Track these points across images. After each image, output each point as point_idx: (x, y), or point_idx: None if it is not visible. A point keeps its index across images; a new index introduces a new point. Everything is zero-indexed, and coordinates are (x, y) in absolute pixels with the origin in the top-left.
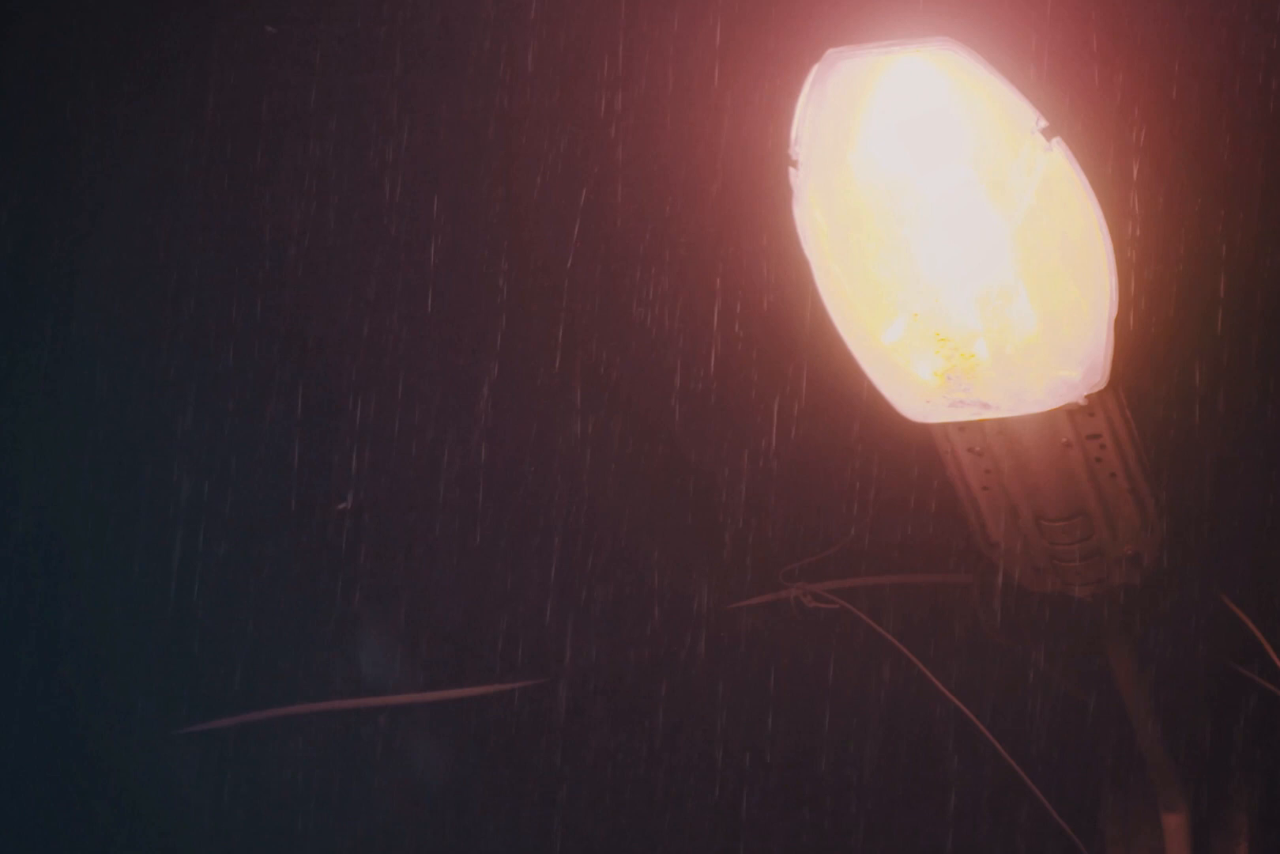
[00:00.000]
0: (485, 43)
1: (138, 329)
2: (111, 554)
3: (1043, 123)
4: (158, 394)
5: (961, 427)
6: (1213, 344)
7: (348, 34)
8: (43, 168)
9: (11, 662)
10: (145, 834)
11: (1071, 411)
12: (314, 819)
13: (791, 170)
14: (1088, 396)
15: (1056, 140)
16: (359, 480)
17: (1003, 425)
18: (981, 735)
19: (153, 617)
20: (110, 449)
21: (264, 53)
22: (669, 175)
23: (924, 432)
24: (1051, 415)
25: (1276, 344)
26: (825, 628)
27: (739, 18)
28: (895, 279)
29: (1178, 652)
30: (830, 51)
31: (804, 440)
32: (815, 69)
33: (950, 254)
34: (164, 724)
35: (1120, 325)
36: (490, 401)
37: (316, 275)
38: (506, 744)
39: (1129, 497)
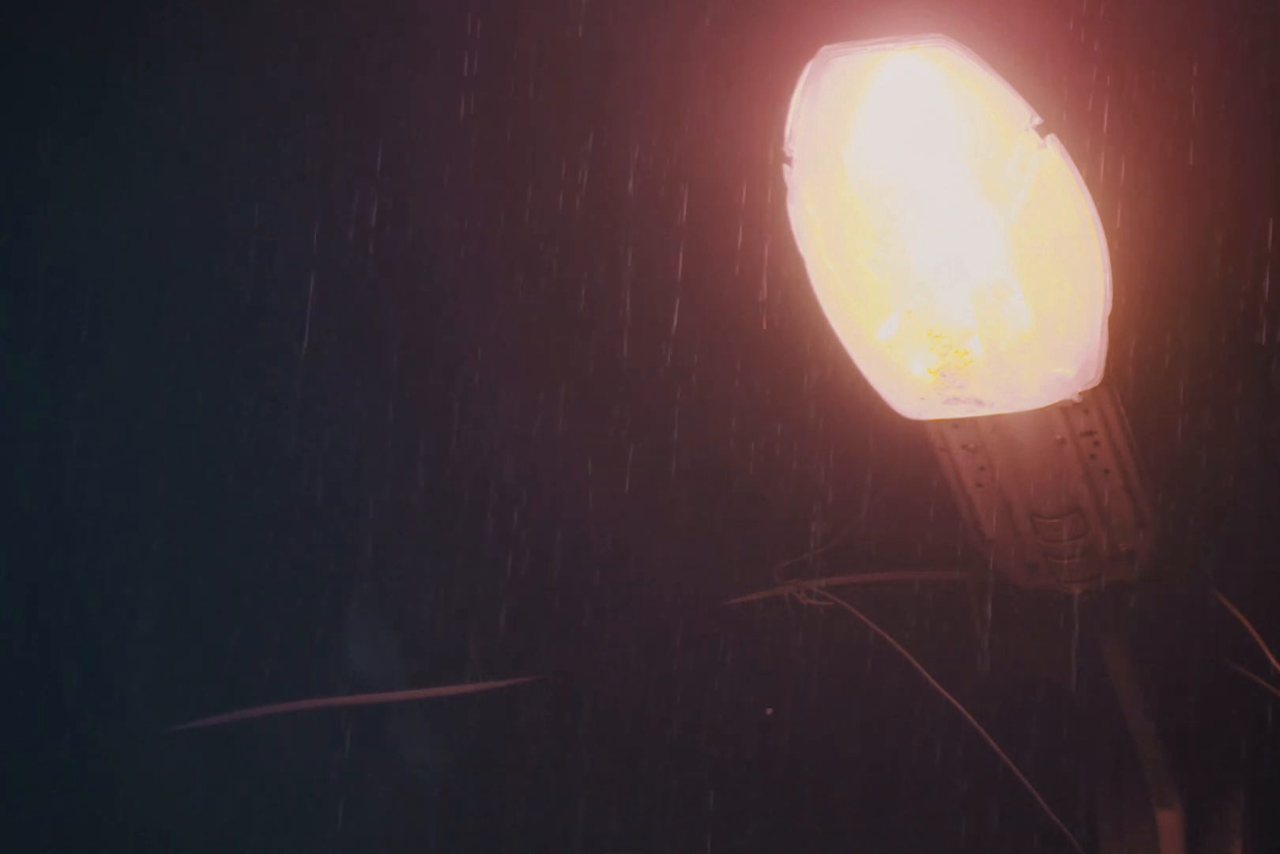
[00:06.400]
0: (479, 41)
1: (137, 327)
2: (108, 551)
3: (1037, 120)
4: (154, 391)
5: (956, 423)
6: (1208, 341)
7: (348, 31)
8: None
9: (4, 659)
10: (138, 832)
11: (1066, 409)
12: (307, 817)
13: (786, 167)
14: (1082, 393)
15: (1051, 137)
16: (357, 478)
17: (997, 422)
18: (975, 732)
19: (148, 614)
20: (108, 447)
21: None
22: (663, 172)
23: (918, 428)
24: (1046, 412)
25: (1272, 341)
26: (819, 624)
27: (734, 15)
28: (889, 276)
29: (1172, 649)
30: (825, 48)
31: (798, 436)
32: (810, 66)
33: (944, 251)
34: (157, 722)
35: (1114, 322)
36: (488, 399)
37: (316, 275)
38: (500, 742)
39: (1123, 494)
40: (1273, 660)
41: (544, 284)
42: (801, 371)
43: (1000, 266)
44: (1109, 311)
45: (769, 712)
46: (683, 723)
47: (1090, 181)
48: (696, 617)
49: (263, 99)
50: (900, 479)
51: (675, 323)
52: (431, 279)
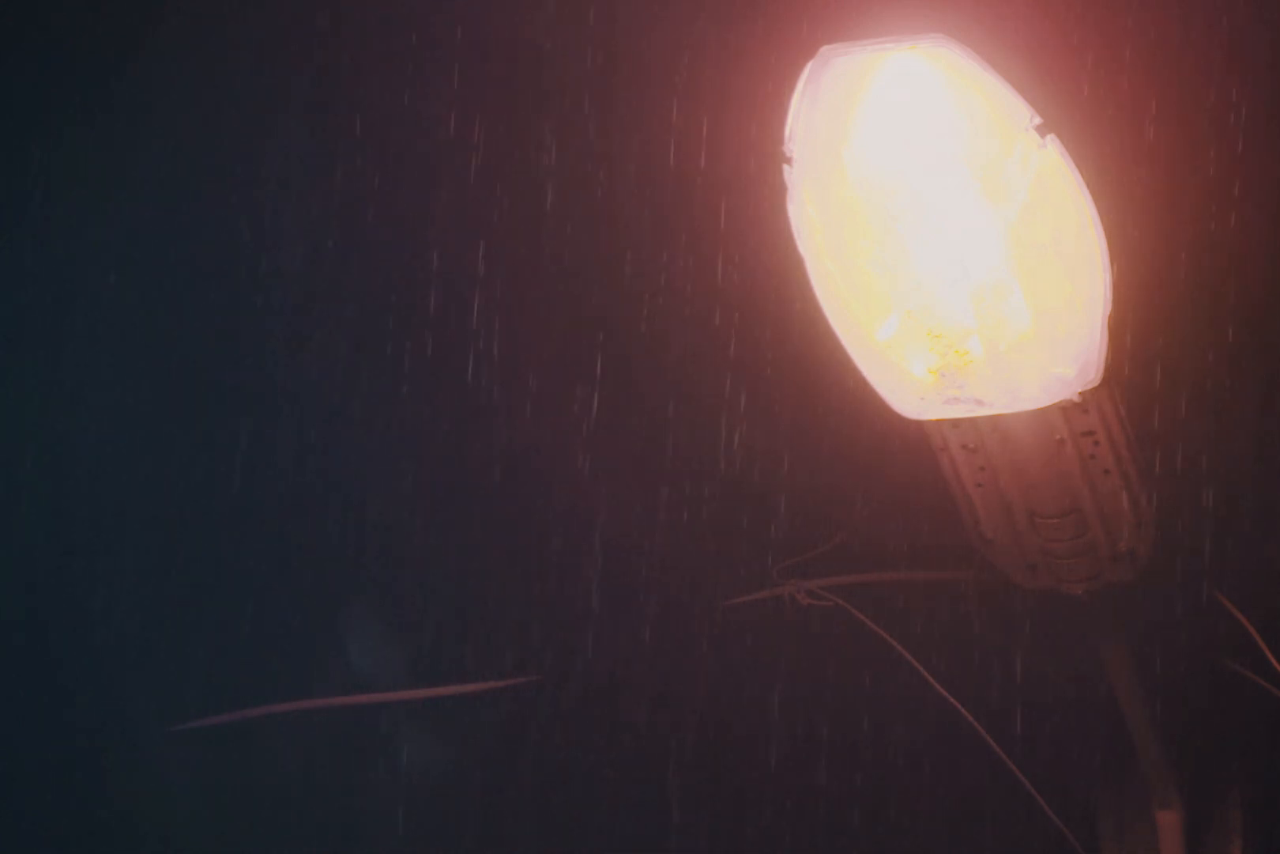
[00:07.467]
0: (479, 42)
1: (137, 326)
2: (108, 551)
3: (1037, 120)
4: (155, 389)
5: (956, 423)
6: (1207, 340)
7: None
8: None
9: (5, 659)
10: (138, 832)
11: (1065, 409)
12: (307, 817)
13: (786, 167)
14: (1082, 393)
15: (1051, 137)
16: (358, 478)
17: (997, 422)
18: (975, 732)
19: (148, 613)
20: (109, 446)
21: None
22: (663, 172)
23: (918, 428)
24: (1046, 412)
25: (1272, 340)
26: (819, 625)
27: (733, 15)
28: (889, 276)
29: (1172, 649)
30: (824, 48)
31: (797, 436)
32: (809, 66)
33: (944, 251)
34: (157, 722)
35: (1114, 322)
36: (488, 399)
37: (318, 273)
38: (500, 742)
39: (1123, 494)
40: (1273, 660)
41: (542, 284)
42: (801, 371)
43: (1000, 266)
44: (1109, 311)
45: None
46: (682, 723)
47: (1090, 181)
48: (696, 617)
49: (265, 98)
50: (900, 479)
51: (674, 323)
52: (433, 279)
